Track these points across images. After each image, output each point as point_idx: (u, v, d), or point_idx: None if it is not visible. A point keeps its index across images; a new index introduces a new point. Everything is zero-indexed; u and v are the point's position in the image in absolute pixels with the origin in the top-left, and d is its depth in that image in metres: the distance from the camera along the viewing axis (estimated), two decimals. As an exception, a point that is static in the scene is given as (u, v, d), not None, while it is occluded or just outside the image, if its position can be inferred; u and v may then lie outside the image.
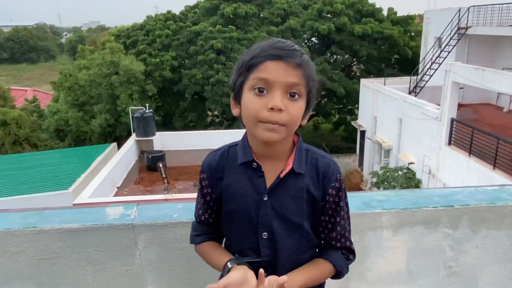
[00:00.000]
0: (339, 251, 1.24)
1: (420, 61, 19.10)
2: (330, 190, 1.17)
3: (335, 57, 26.90)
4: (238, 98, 1.13)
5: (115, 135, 21.90)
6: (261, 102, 1.05)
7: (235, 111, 1.15)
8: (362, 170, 19.42)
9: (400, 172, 14.08)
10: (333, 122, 27.56)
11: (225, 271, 1.15)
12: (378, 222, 1.65)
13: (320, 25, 23.58)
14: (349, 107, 26.30)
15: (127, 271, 1.55)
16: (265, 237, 1.16)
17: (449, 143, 12.31)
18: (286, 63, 1.05)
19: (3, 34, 73.51)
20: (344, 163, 20.10)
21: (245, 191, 1.16)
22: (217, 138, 12.63)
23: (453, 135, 12.22)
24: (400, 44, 24.34)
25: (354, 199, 1.66)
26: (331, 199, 1.18)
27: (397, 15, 26.24)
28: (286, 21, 24.94)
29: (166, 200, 8.80)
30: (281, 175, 1.14)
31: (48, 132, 22.43)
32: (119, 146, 14.48)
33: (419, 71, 17.90)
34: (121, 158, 12.22)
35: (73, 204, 9.20)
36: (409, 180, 13.76)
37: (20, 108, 24.99)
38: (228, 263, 1.15)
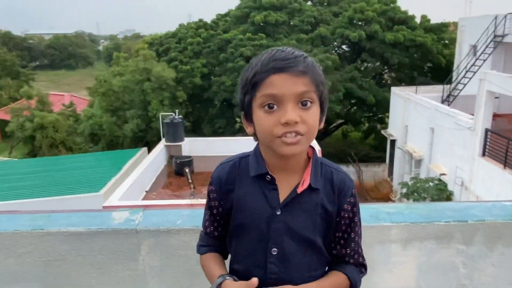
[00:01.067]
0: (352, 265, 1.20)
1: (454, 69, 18.53)
2: (345, 205, 1.14)
3: (365, 64, 26.49)
4: (249, 117, 1.10)
5: (146, 140, 22.35)
6: (273, 118, 1.02)
7: (248, 130, 1.12)
8: (391, 180, 18.96)
9: (431, 183, 13.65)
10: (363, 131, 27.10)
11: (214, 284, 1.13)
12: (386, 236, 1.60)
13: (350, 33, 23.31)
14: (379, 116, 25.78)
15: (130, 276, 1.56)
16: (274, 253, 1.11)
17: (483, 154, 11.87)
18: (291, 73, 1.01)
19: (44, 42, 76.91)
20: (373, 172, 19.71)
21: (257, 205, 1.11)
22: (244, 144, 12.59)
23: (487, 146, 11.79)
24: (433, 52, 23.68)
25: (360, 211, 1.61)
26: (346, 215, 1.15)
27: (431, 22, 25.60)
28: (316, 29, 24.83)
29: (191, 205, 8.89)
30: (298, 190, 1.10)
31: (83, 136, 23.21)
32: (149, 151, 14.77)
33: (453, 79, 17.37)
34: (150, 162, 12.47)
35: (103, 207, 9.44)
36: (441, 191, 13.32)
37: (58, 112, 25.92)
38: (220, 277, 1.13)
